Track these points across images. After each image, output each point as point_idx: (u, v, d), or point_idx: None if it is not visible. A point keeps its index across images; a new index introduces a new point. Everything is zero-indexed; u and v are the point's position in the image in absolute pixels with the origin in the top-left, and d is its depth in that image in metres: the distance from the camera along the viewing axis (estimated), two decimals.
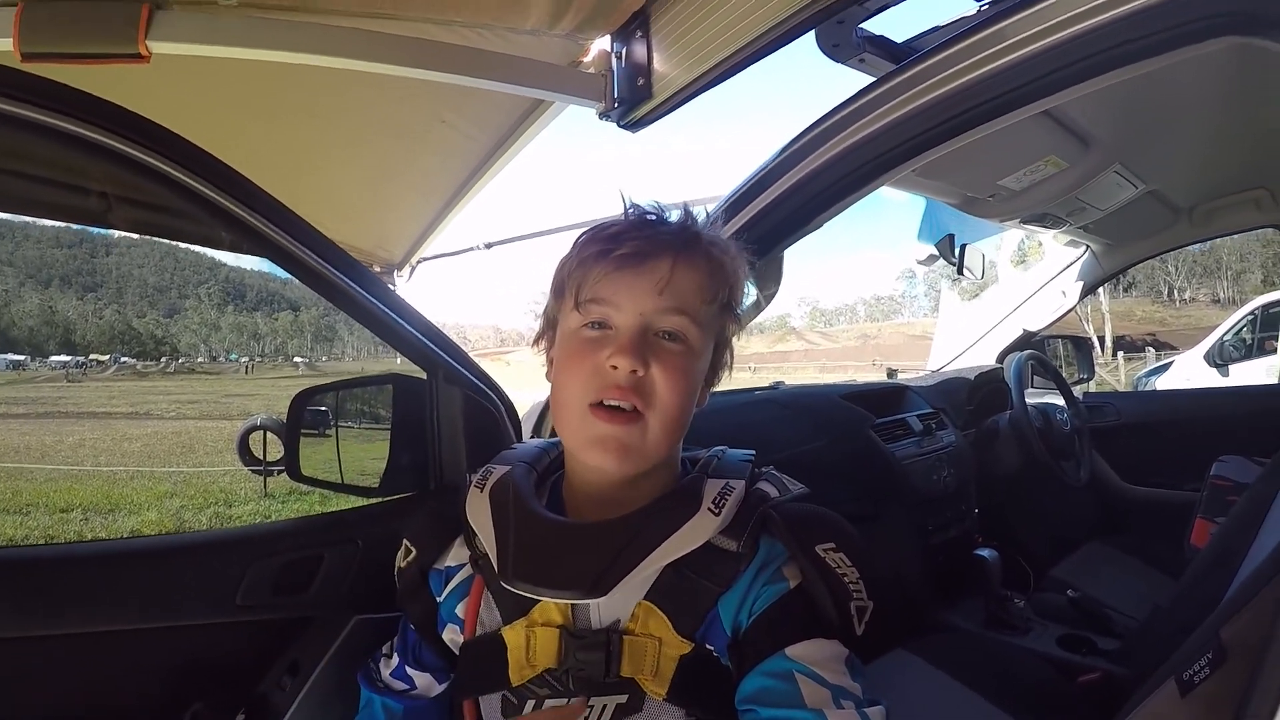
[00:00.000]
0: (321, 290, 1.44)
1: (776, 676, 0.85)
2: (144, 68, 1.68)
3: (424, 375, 1.61)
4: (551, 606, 0.96)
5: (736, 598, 0.93)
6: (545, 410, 1.82)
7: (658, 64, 1.87)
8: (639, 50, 1.90)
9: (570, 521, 1.00)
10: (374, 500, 1.64)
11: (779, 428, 2.44)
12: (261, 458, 10.68)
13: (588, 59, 2.06)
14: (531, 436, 1.82)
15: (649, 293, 0.93)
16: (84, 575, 1.33)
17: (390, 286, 3.37)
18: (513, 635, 0.98)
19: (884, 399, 2.87)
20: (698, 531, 0.91)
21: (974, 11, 1.34)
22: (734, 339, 1.07)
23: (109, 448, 16.33)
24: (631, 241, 0.94)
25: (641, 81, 1.90)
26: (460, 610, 1.06)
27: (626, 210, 1.03)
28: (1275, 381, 3.30)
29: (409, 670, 1.17)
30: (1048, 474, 2.87)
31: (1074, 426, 3.13)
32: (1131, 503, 3.38)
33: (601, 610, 0.96)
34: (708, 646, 0.93)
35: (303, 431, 1.69)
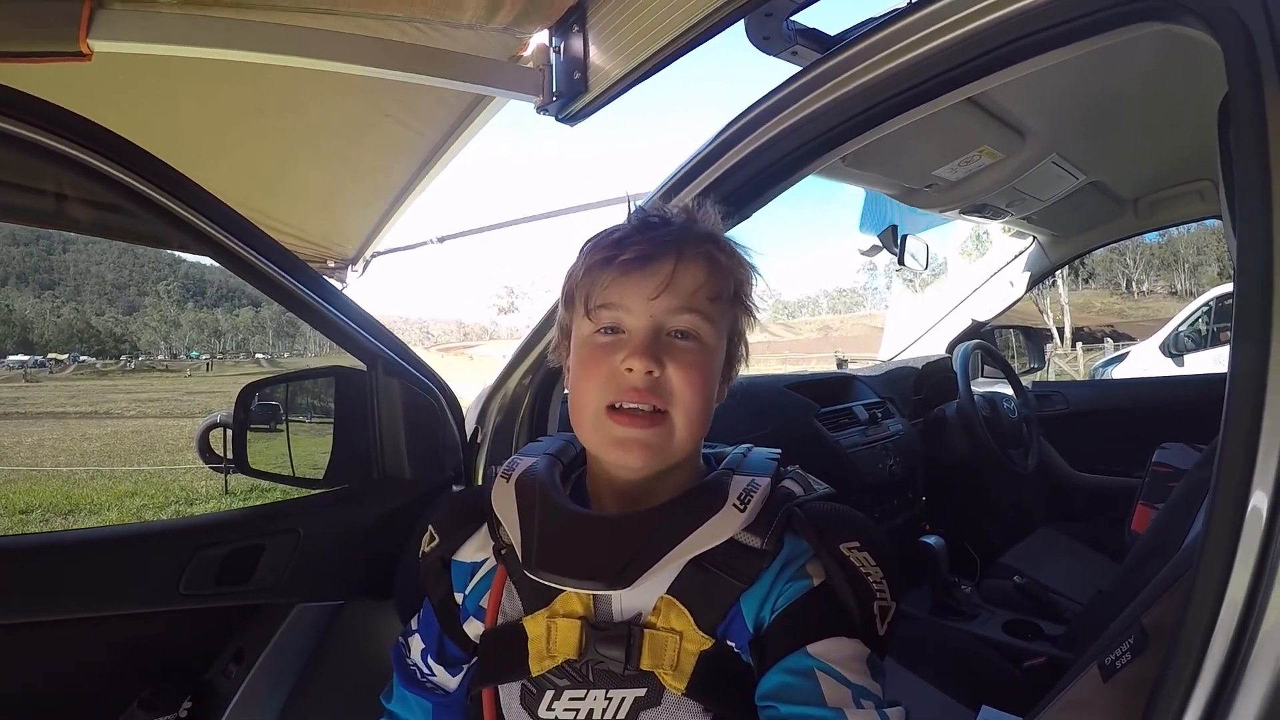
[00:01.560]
0: (261, 286, 1.44)
1: (797, 674, 0.85)
2: (90, 67, 1.66)
3: (364, 368, 1.62)
4: (573, 597, 0.96)
5: (759, 594, 0.92)
6: (487, 402, 1.83)
7: (594, 57, 1.88)
8: (576, 44, 1.91)
9: (595, 513, 1.00)
10: (315, 491, 1.65)
11: (724, 417, 2.43)
12: (222, 455, 10.58)
13: (526, 54, 2.06)
14: (474, 428, 1.82)
15: (656, 293, 0.93)
16: (27, 566, 1.33)
17: (338, 282, 3.36)
18: (533, 625, 0.97)
19: (831, 388, 2.91)
20: (722, 527, 0.90)
21: (905, 3, 1.35)
22: (748, 330, 1.07)
23: (68, 448, 16.15)
24: (634, 245, 0.94)
25: (578, 75, 1.90)
26: (483, 602, 1.06)
27: (629, 214, 1.03)
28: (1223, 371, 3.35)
29: (431, 660, 1.16)
30: (995, 462, 2.91)
31: (1022, 415, 3.18)
32: (1079, 489, 3.43)
33: (624, 602, 0.96)
34: (729, 643, 0.92)
35: (252, 425, 1.69)
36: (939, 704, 1.75)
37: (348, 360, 1.66)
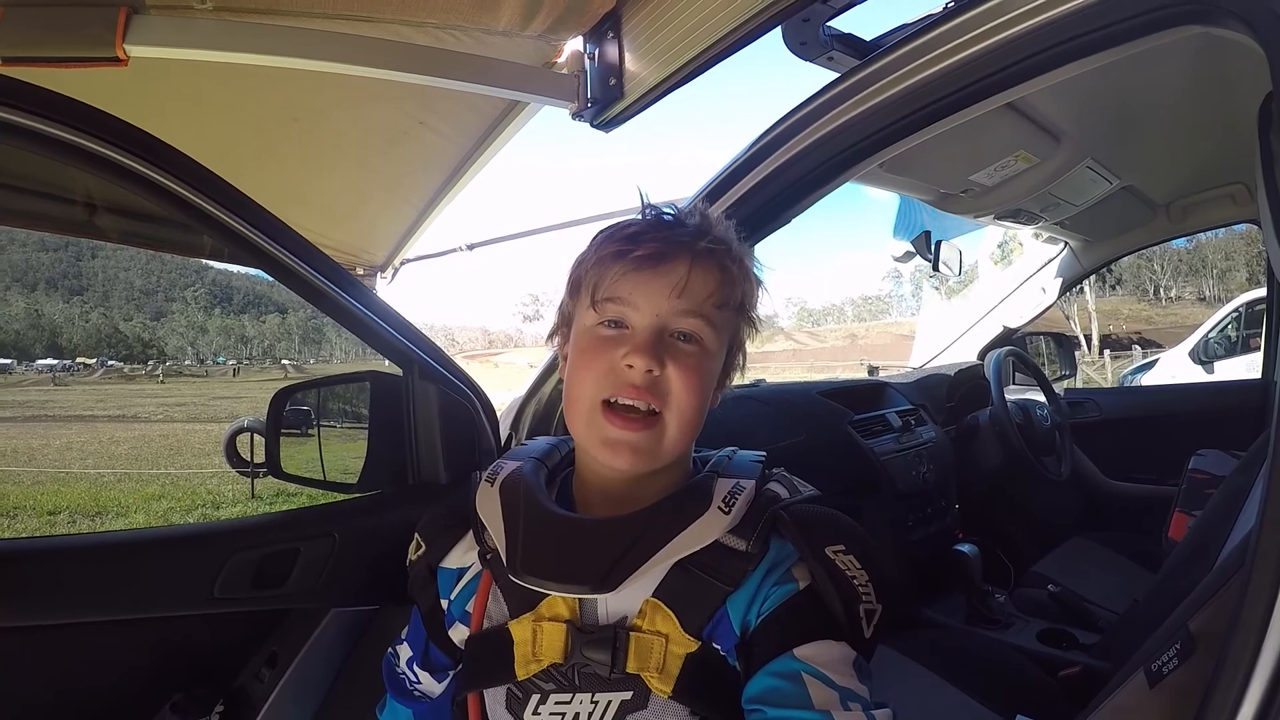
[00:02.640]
0: (300, 290, 1.44)
1: (784, 677, 0.84)
2: (122, 72, 1.68)
3: (400, 373, 1.62)
4: (559, 601, 0.96)
5: (745, 597, 0.92)
6: (523, 408, 1.82)
7: (629, 64, 1.88)
8: (611, 50, 1.91)
9: (580, 516, 1.00)
10: (351, 495, 1.65)
11: (758, 424, 2.45)
12: (248, 460, 10.66)
13: (561, 60, 2.07)
14: (508, 434, 1.82)
15: (666, 294, 0.93)
16: (62, 568, 1.32)
17: (371, 288, 3.37)
18: (519, 629, 0.97)
19: (864, 395, 2.90)
20: (707, 530, 0.90)
21: (941, 8, 1.34)
22: (749, 341, 1.07)
23: (96, 450, 16.32)
24: (649, 243, 0.94)
25: (613, 81, 1.91)
26: (469, 607, 1.06)
27: (644, 210, 1.03)
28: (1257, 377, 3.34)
29: (416, 667, 1.17)
30: (1028, 469, 2.88)
31: (1054, 422, 3.14)
32: (1113, 497, 3.39)
33: (609, 606, 0.95)
34: (715, 645, 0.92)
35: (283, 430, 1.70)
36: (974, 713, 1.73)
37: (377, 365, 1.66)
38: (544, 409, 1.79)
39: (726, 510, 0.92)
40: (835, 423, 2.54)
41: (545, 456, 1.11)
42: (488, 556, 1.03)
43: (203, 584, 1.40)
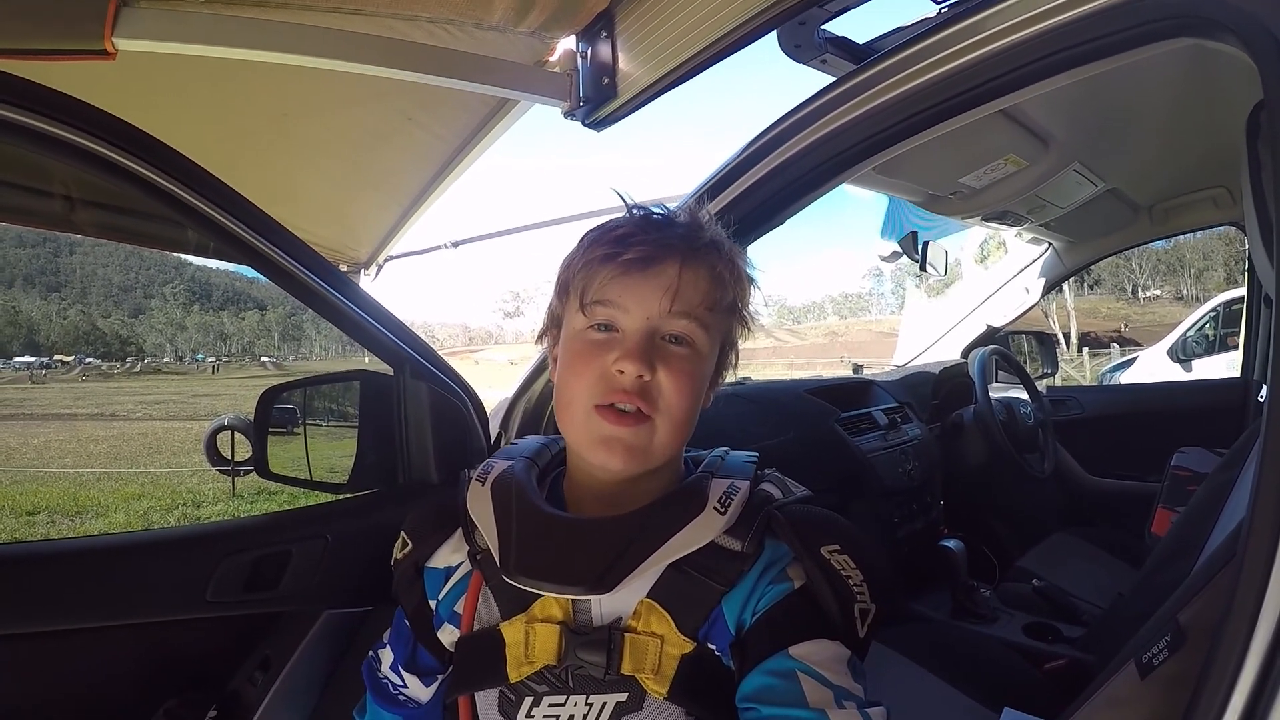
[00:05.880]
0: (290, 288, 1.43)
1: (779, 675, 0.84)
2: (109, 66, 1.66)
3: (391, 372, 1.62)
4: (552, 602, 0.95)
5: (740, 597, 0.92)
6: (512, 406, 1.82)
7: (622, 63, 1.88)
8: (604, 50, 1.91)
9: (575, 516, 0.99)
10: (342, 496, 1.64)
11: (744, 422, 2.46)
12: (229, 458, 10.59)
13: (553, 58, 2.07)
14: (498, 433, 1.82)
15: (656, 297, 0.92)
16: (52, 573, 1.32)
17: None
18: (511, 631, 0.96)
19: (849, 393, 2.91)
20: (703, 530, 0.90)
21: (935, 13, 1.35)
22: (741, 340, 1.06)
23: (75, 449, 16.15)
24: (638, 246, 0.93)
25: (606, 81, 1.91)
26: (458, 607, 1.04)
27: (630, 209, 1.02)
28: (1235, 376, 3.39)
29: (402, 671, 1.14)
30: (1012, 466, 2.91)
31: (1038, 420, 3.18)
32: (1095, 494, 3.43)
33: (603, 607, 0.95)
34: (710, 646, 0.92)
35: (271, 429, 1.69)
36: (961, 706, 1.74)
37: (360, 362, 1.65)
38: (534, 407, 1.79)
39: (722, 511, 0.92)
40: (822, 421, 2.56)
41: (536, 455, 1.10)
42: (478, 556, 1.02)
43: (195, 588, 1.39)
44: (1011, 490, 3.05)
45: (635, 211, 1.02)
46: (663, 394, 0.93)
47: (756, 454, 1.08)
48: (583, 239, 1.01)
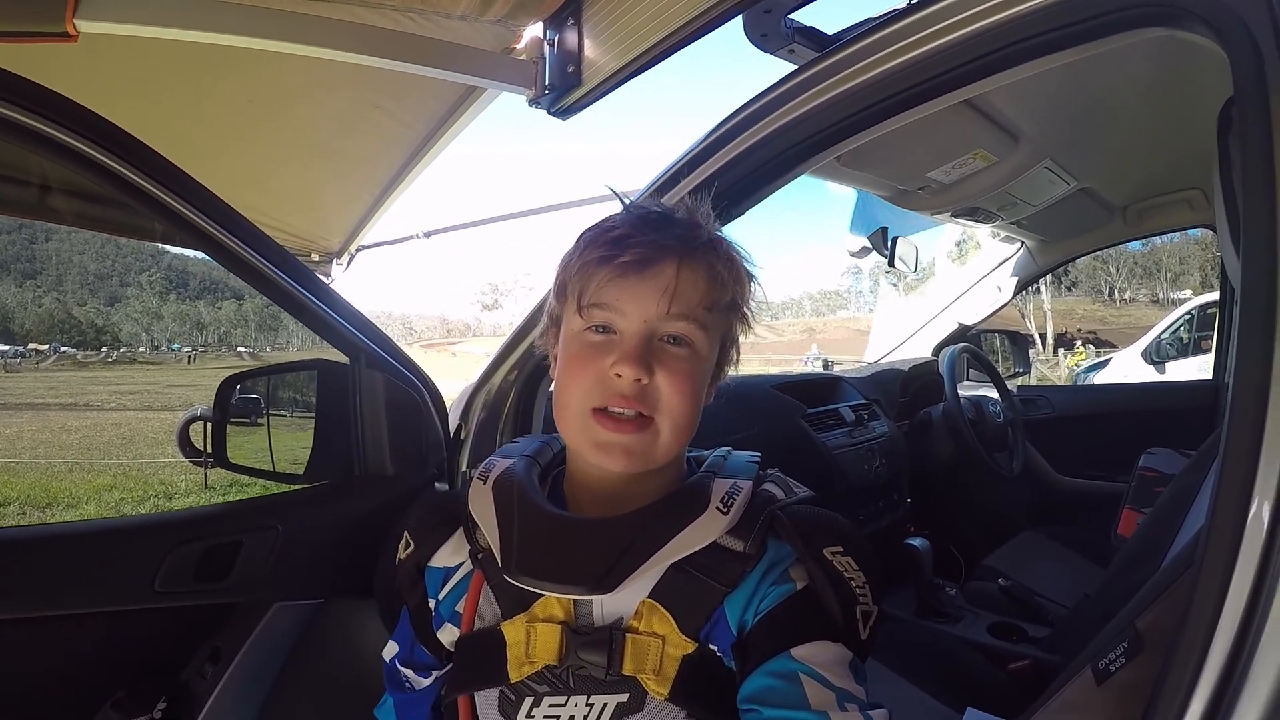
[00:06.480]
0: (244, 275, 1.42)
1: (780, 676, 0.84)
2: (74, 53, 1.64)
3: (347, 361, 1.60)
4: (554, 602, 0.94)
5: (743, 598, 0.91)
6: (472, 397, 1.80)
7: (588, 51, 1.87)
8: (570, 37, 1.90)
9: (577, 516, 0.98)
10: (295, 487, 1.63)
11: (709, 416, 2.44)
12: (202, 449, 10.52)
13: (520, 46, 2.06)
14: (458, 424, 1.80)
15: (653, 299, 0.91)
16: None
17: (324, 275, 3.34)
18: (512, 630, 0.96)
19: (818, 389, 2.91)
20: (706, 530, 0.89)
21: (904, 3, 1.34)
22: (742, 336, 1.05)
23: (47, 440, 16.00)
24: (635, 247, 0.91)
25: (571, 68, 1.90)
26: (459, 607, 1.04)
27: (627, 207, 1.01)
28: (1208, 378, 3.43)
29: (399, 664, 1.15)
30: (980, 465, 2.92)
31: (1007, 418, 3.19)
32: (1064, 493, 3.44)
33: (605, 607, 0.94)
34: (711, 647, 0.91)
35: (232, 419, 1.67)
36: (924, 706, 1.75)
37: (331, 354, 1.64)
38: (494, 399, 1.77)
39: (725, 511, 0.91)
40: (788, 417, 2.56)
41: (537, 454, 1.09)
42: (479, 556, 1.01)
43: (143, 578, 1.37)
44: (979, 488, 3.06)
45: (633, 209, 1.00)
46: (662, 396, 0.92)
47: (759, 454, 1.07)
48: (580, 238, 1.00)
